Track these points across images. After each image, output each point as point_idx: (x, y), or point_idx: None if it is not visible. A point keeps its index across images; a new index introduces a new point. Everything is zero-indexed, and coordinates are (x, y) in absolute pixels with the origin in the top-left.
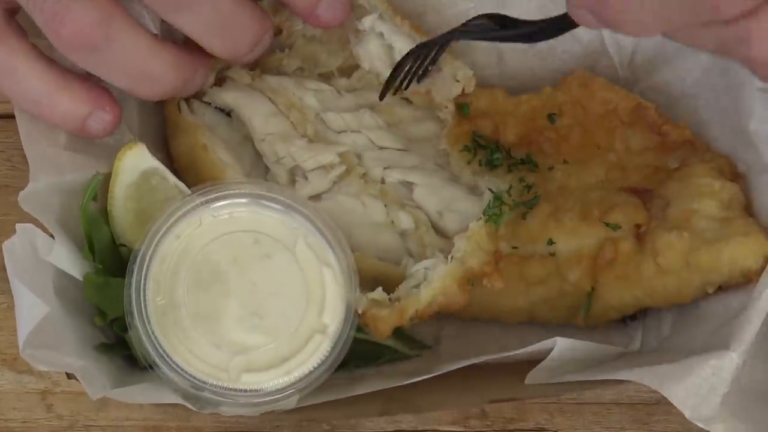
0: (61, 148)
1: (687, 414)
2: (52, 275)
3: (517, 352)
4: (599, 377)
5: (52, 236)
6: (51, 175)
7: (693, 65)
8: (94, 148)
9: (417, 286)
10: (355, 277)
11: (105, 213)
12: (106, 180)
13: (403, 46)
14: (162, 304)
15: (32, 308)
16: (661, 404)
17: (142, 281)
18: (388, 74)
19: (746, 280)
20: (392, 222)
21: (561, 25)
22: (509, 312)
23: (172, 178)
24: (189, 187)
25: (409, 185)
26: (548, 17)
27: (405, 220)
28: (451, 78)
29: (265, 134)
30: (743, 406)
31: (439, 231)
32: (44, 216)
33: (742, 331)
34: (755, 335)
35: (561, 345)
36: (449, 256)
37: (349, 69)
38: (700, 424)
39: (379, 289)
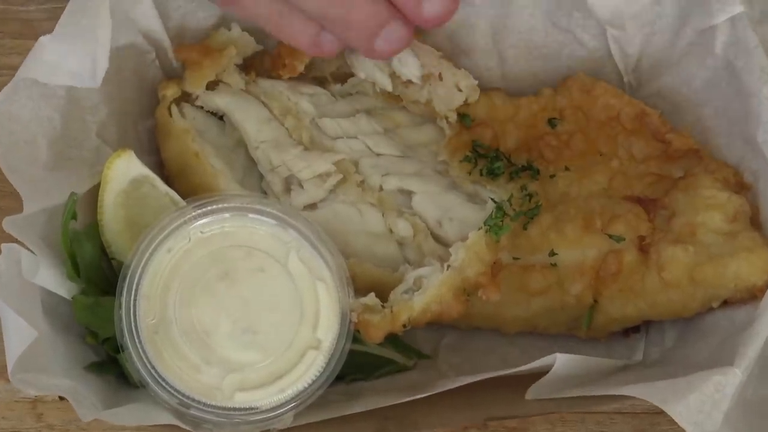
0: (42, 167)
1: (690, 431)
2: (41, 294)
3: (516, 369)
4: (601, 392)
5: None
6: (39, 201)
7: (698, 70)
8: (77, 164)
9: (408, 292)
10: (350, 288)
11: (94, 223)
12: (94, 192)
13: (401, 56)
14: (153, 323)
15: (20, 333)
16: (664, 414)
17: (132, 299)
18: (387, 82)
19: (751, 297)
20: (390, 230)
21: None
22: (510, 322)
23: (163, 186)
24: (180, 193)
25: (407, 193)
26: None
27: (403, 228)
28: (453, 87)
29: (259, 142)
30: (745, 420)
31: (438, 239)
32: (27, 237)
33: (747, 347)
34: (760, 351)
35: (561, 360)
36: (446, 265)
37: (343, 75)
38: None
39: (372, 294)
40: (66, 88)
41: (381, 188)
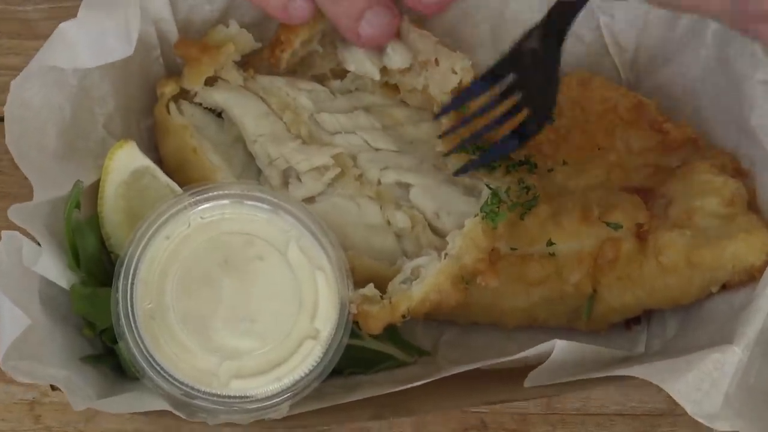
0: (50, 155)
1: (689, 409)
2: (39, 283)
3: (515, 356)
4: (600, 375)
5: (39, 244)
6: (47, 189)
7: (693, 61)
8: (83, 155)
9: (406, 282)
10: (350, 280)
11: (95, 215)
12: (97, 183)
13: (394, 45)
14: (150, 308)
15: (14, 320)
16: (665, 416)
17: (130, 285)
18: (375, 73)
19: (750, 278)
20: (388, 222)
21: None
22: (509, 314)
23: (164, 177)
24: (180, 187)
25: (405, 186)
26: None
27: (401, 220)
28: (449, 70)
29: (257, 135)
30: (749, 405)
31: (436, 231)
32: (32, 225)
33: (745, 326)
34: (759, 330)
35: (560, 347)
36: (443, 253)
37: (342, 72)
38: (702, 421)
39: (371, 285)
40: (78, 77)
41: (379, 182)
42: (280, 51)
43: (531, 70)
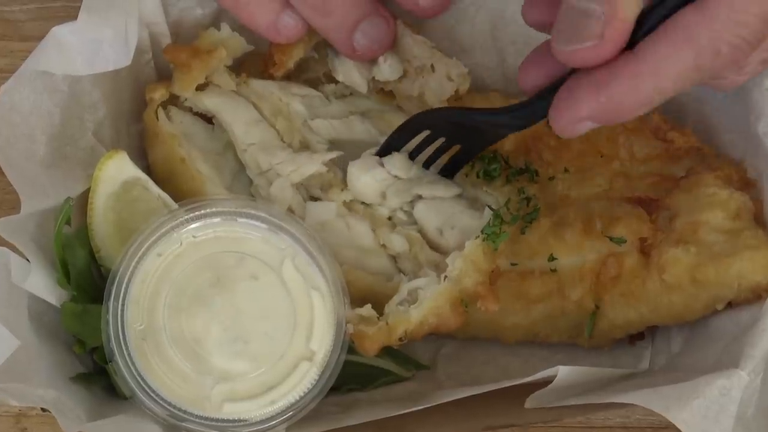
0: (39, 163)
1: None
2: (28, 300)
3: (516, 382)
4: (603, 400)
5: (28, 260)
6: (35, 199)
7: None
8: (72, 163)
9: (403, 303)
10: (346, 298)
11: (84, 228)
12: (86, 193)
13: (387, 56)
14: (141, 330)
15: (3, 342)
16: (669, 428)
17: (120, 304)
18: (363, 85)
19: (756, 297)
20: (383, 246)
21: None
22: (509, 331)
23: (155, 189)
24: (171, 198)
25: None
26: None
27: (398, 244)
28: (444, 77)
29: (247, 144)
30: (760, 427)
31: (437, 248)
32: (20, 240)
33: (753, 348)
34: (766, 351)
35: (564, 372)
36: (443, 276)
37: None
38: None
39: (368, 306)
40: (69, 83)
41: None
42: (275, 70)
43: (454, 130)
